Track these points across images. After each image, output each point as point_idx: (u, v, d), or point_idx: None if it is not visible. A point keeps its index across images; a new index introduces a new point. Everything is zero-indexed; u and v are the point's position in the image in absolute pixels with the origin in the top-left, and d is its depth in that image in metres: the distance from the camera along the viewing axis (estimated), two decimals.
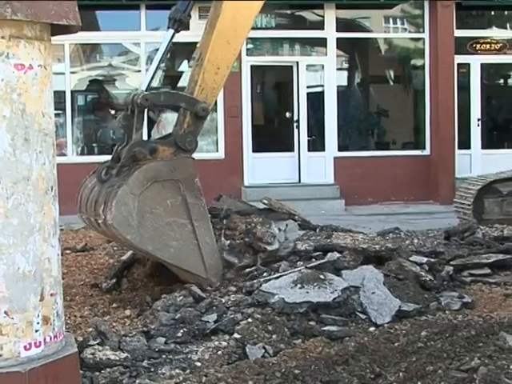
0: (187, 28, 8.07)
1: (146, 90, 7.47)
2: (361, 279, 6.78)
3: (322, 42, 16.86)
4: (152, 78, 7.74)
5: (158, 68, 7.95)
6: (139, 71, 16.49)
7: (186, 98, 7.53)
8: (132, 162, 7.18)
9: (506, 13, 18.29)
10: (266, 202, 9.90)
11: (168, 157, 7.34)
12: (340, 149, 16.86)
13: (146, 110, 7.43)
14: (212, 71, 7.67)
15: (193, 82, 7.68)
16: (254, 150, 16.52)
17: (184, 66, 17.23)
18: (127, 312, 7.05)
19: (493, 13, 18.30)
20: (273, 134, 17.32)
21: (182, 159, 7.37)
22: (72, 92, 16.19)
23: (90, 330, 6.35)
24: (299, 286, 6.55)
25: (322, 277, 6.69)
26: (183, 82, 16.72)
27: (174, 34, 7.98)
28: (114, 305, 7.35)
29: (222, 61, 7.76)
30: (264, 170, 16.20)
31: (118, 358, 5.52)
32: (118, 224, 6.86)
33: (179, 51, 16.92)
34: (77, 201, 7.48)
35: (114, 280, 7.90)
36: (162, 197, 7.11)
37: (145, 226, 6.96)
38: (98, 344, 5.71)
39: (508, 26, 18.43)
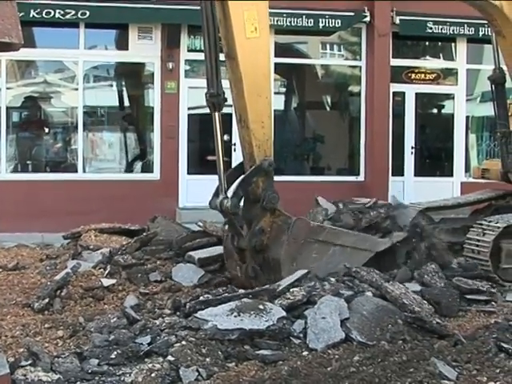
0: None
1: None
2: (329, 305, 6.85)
3: None
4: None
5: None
6: (76, 89, 16.37)
7: (252, 172, 8.16)
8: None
9: (439, 43, 18.66)
10: (200, 224, 9.93)
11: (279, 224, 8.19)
12: (275, 172, 16.87)
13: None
14: (259, 128, 8.16)
15: (247, 143, 8.23)
16: (189, 172, 16.50)
17: (119, 86, 17.22)
18: (60, 333, 6.96)
19: (428, 43, 18.63)
20: (209, 156, 17.31)
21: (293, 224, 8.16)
22: (7, 108, 15.99)
23: (22, 350, 6.25)
24: (235, 314, 6.56)
25: (260, 306, 6.71)
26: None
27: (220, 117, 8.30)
28: (47, 325, 7.24)
29: (262, 115, 8.24)
30: (199, 191, 16.11)
31: (50, 380, 5.46)
32: None
33: (121, 70, 16.95)
34: None
35: (47, 300, 7.81)
36: (308, 260, 8.08)
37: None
38: (29, 365, 5.63)
39: (442, 56, 18.79)
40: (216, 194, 8.12)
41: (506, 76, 11.32)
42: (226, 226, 8.62)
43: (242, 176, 8.05)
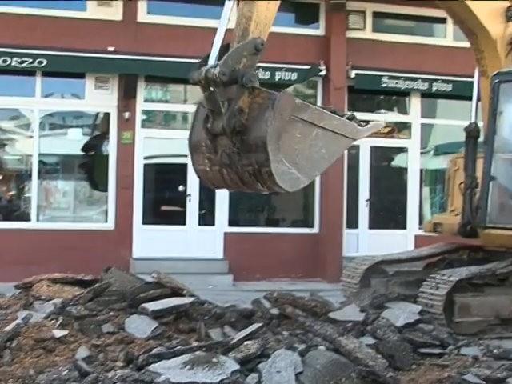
0: None
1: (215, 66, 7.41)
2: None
3: None
4: (219, 51, 7.64)
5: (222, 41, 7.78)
6: (31, 137, 16.29)
7: (244, 45, 7.44)
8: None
9: (394, 98, 18.92)
10: (154, 275, 9.85)
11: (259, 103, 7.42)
12: (230, 224, 16.95)
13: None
14: (263, 8, 7.71)
15: (245, 18, 7.63)
16: (144, 222, 16.44)
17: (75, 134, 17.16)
18: None
19: (382, 97, 18.88)
20: (164, 207, 17.30)
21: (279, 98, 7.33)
22: None
23: None
24: (189, 367, 6.50)
25: (214, 360, 6.66)
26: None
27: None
28: None
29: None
30: (154, 242, 16.12)
31: None
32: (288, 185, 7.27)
33: (78, 119, 16.93)
34: None
35: None
36: (293, 139, 7.30)
37: (300, 165, 7.30)
38: None
39: (396, 110, 19.06)
40: (199, 67, 7.55)
41: (481, 132, 11.43)
42: (199, 111, 7.92)
43: (233, 48, 7.58)
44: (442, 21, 18.12)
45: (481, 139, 11.50)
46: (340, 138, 7.60)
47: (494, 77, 10.29)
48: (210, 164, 7.84)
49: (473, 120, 11.60)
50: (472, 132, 11.46)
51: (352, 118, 7.76)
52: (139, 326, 8.71)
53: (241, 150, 7.40)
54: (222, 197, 16.75)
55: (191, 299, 8.98)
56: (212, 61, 7.44)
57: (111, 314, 9.11)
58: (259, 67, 16.34)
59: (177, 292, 9.23)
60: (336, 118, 7.67)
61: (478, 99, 11.68)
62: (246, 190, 7.88)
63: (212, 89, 7.43)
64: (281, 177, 7.12)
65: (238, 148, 7.40)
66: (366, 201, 17.77)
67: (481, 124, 11.58)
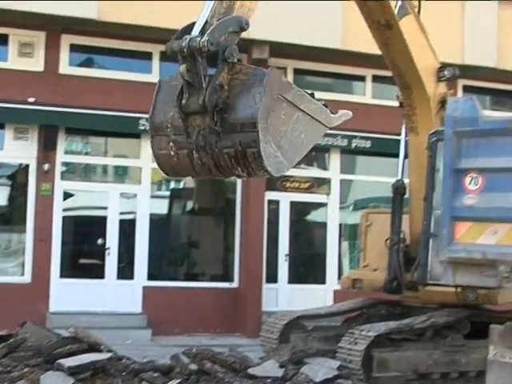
0: None
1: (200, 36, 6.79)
2: None
3: (137, 171, 16.99)
4: (205, 23, 6.98)
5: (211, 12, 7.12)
6: None
7: (228, 20, 6.90)
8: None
9: (314, 153, 19.12)
10: (71, 330, 9.68)
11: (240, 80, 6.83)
12: (149, 278, 16.80)
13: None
14: None
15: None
16: (62, 275, 16.17)
17: None
18: None
19: None
20: (83, 260, 17.09)
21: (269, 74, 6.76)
22: None
23: None
24: None
25: None
26: None
27: None
28: None
29: None
30: (71, 296, 15.86)
31: None
32: (274, 169, 6.69)
33: None
34: None
35: None
36: (278, 120, 6.74)
37: (284, 149, 6.76)
38: None
39: (316, 165, 19.25)
40: (179, 37, 6.89)
41: (407, 189, 11.57)
42: (161, 90, 7.22)
43: (219, 21, 7.17)
44: (361, 79, 18.53)
45: (407, 195, 11.68)
46: (316, 124, 7.23)
47: (431, 135, 10.45)
48: (176, 148, 7.10)
49: (399, 177, 11.77)
50: (399, 188, 11.62)
51: (326, 106, 7.57)
52: (55, 383, 8.54)
53: (222, 130, 6.78)
54: (142, 250, 16.63)
55: (109, 355, 8.86)
56: (197, 31, 6.87)
57: (26, 370, 8.92)
58: None
59: (94, 347, 9.09)
60: (314, 103, 7.26)
61: (405, 156, 11.83)
62: (218, 177, 7.27)
63: (193, 60, 6.77)
64: (268, 159, 6.61)
65: (220, 127, 6.78)
66: (286, 255, 17.83)
67: (407, 180, 11.74)
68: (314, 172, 18.94)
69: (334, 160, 18.57)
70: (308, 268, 18.64)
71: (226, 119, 6.75)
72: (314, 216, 19.40)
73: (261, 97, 6.61)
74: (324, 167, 18.94)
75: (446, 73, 11.20)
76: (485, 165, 7.73)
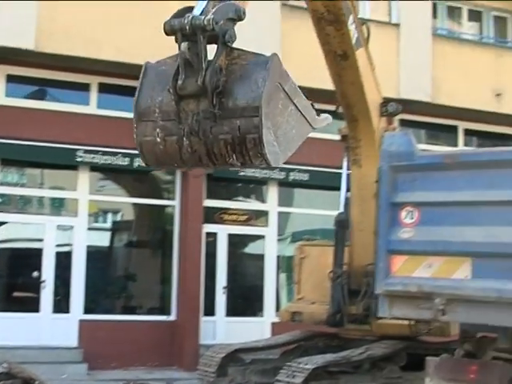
0: None
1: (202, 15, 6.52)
2: None
3: (74, 203, 16.84)
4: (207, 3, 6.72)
5: None
6: None
7: (233, 6, 6.69)
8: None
9: (252, 186, 19.19)
10: (5, 365, 9.50)
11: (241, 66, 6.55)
12: (86, 311, 16.60)
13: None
14: None
15: None
16: None
17: None
18: None
19: (240, 185, 19.12)
20: (17, 293, 16.81)
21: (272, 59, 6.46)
22: None
23: None
24: None
25: None
26: None
27: None
28: None
29: None
30: (5, 330, 15.58)
31: None
32: (272, 158, 6.39)
33: None
34: None
35: None
36: (276, 110, 6.48)
37: (279, 140, 6.48)
38: None
39: (254, 198, 19.31)
40: (179, 16, 6.62)
41: (349, 220, 11.57)
42: (147, 74, 6.92)
43: (220, 4, 6.63)
44: None
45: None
46: (305, 122, 6.96)
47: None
48: (163, 134, 6.69)
49: (341, 209, 11.81)
50: (341, 221, 11.64)
51: (312, 106, 7.37)
52: None
53: (220, 114, 6.46)
54: (78, 283, 16.44)
55: None
56: (198, 11, 6.63)
57: None
58: (118, 153, 16.40)
59: (28, 382, 8.94)
60: (304, 99, 7.02)
61: (347, 189, 11.88)
62: (207, 167, 6.90)
63: (194, 39, 6.52)
64: (268, 147, 6.33)
65: (219, 111, 6.44)
66: (224, 288, 17.79)
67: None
68: (252, 204, 19.03)
69: (272, 192, 18.65)
70: (246, 300, 18.62)
71: (224, 103, 6.48)
72: (251, 248, 19.42)
73: (264, 81, 6.36)
74: (262, 200, 19.01)
75: (389, 108, 11.33)
76: (420, 199, 7.81)
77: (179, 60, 6.52)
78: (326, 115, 7.45)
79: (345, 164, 12.00)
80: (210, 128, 6.43)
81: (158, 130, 6.69)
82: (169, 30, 6.58)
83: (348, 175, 11.86)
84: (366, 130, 11.22)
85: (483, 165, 7.56)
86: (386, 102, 11.37)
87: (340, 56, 10.29)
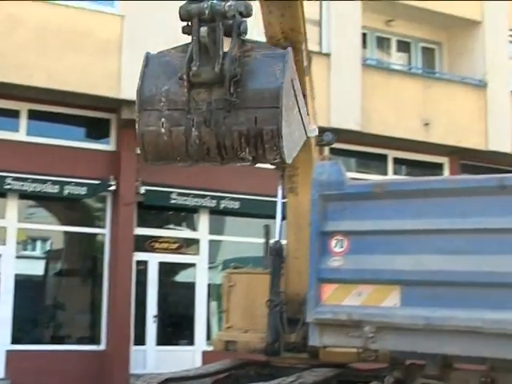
0: None
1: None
2: None
3: (2, 231, 16.59)
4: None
5: None
6: None
7: (244, 3, 6.52)
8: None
9: (183, 214, 19.15)
10: None
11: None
12: (13, 341, 16.30)
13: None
14: None
15: None
16: None
17: None
18: None
19: (172, 213, 19.06)
20: None
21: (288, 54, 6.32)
22: None
23: None
24: None
25: None
26: None
27: None
28: None
29: None
30: None
31: None
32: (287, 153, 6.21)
33: None
34: None
35: None
36: (287, 106, 6.24)
37: (287, 138, 6.23)
38: None
39: (185, 225, 19.28)
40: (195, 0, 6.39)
41: (284, 249, 11.55)
42: (150, 63, 6.51)
43: None
44: None
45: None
46: (302, 128, 6.81)
47: None
48: (168, 124, 6.32)
49: (277, 238, 11.81)
50: (277, 250, 11.61)
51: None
52: None
53: (236, 105, 6.23)
54: (5, 312, 16.17)
55: None
56: None
57: None
58: (48, 180, 16.23)
59: None
60: (304, 106, 6.96)
61: (283, 217, 11.89)
62: (214, 161, 6.47)
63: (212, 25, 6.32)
64: (285, 140, 6.15)
65: (236, 99, 6.19)
66: (154, 317, 17.67)
67: (284, 242, 11.77)
68: (183, 233, 19.01)
69: (203, 220, 18.64)
70: (176, 329, 18.53)
71: (240, 93, 6.24)
72: (182, 276, 19.36)
73: (282, 73, 6.18)
74: (193, 228, 19.00)
75: (324, 137, 11.39)
76: (350, 228, 7.87)
77: (194, 46, 6.27)
78: (314, 127, 7.35)
79: (280, 192, 12.01)
80: (224, 118, 6.20)
81: (163, 119, 6.34)
82: (184, 15, 6.33)
83: (283, 203, 11.89)
84: (303, 159, 11.22)
85: (411, 194, 7.67)
86: (322, 131, 11.44)
87: None
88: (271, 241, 11.86)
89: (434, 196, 7.51)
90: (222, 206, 18.21)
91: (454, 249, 7.24)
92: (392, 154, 21.04)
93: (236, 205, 18.29)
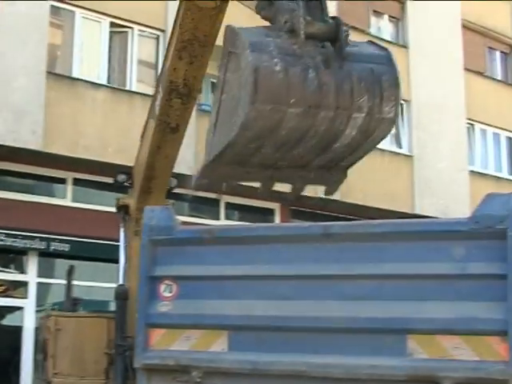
0: None
1: None
2: None
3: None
4: None
5: None
6: None
7: None
8: None
9: (11, 255, 18.67)
10: None
11: None
12: None
13: None
14: None
15: None
16: None
17: None
18: None
19: None
20: None
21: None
22: None
23: None
24: None
25: None
26: None
27: None
28: None
29: None
30: None
31: None
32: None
33: None
34: None
35: None
36: None
37: None
38: None
39: (13, 268, 18.79)
40: None
41: (129, 293, 11.33)
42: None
43: None
44: (62, 181, 18.41)
45: None
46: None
47: None
48: (283, 64, 6.01)
49: (121, 281, 11.68)
50: (122, 294, 11.41)
51: None
52: None
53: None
54: None
55: None
56: None
57: None
58: None
59: None
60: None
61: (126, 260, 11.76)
62: (327, 110, 6.24)
63: None
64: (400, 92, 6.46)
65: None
66: None
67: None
68: (10, 275, 18.50)
69: (32, 263, 18.24)
70: (1, 375, 17.94)
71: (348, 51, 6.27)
72: (9, 320, 18.82)
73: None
74: (21, 270, 18.54)
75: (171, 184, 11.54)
76: (179, 273, 7.91)
77: (302, 3, 6.23)
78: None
79: (122, 235, 11.92)
80: (341, 65, 6.19)
81: (275, 59, 6.04)
82: None
83: (126, 246, 11.82)
84: (155, 203, 11.23)
85: (240, 240, 7.80)
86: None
87: (171, 128, 9.84)
88: (115, 284, 11.73)
89: (262, 242, 7.66)
90: (52, 248, 17.87)
91: (279, 294, 7.41)
92: (225, 198, 21.14)
93: (66, 247, 17.98)
